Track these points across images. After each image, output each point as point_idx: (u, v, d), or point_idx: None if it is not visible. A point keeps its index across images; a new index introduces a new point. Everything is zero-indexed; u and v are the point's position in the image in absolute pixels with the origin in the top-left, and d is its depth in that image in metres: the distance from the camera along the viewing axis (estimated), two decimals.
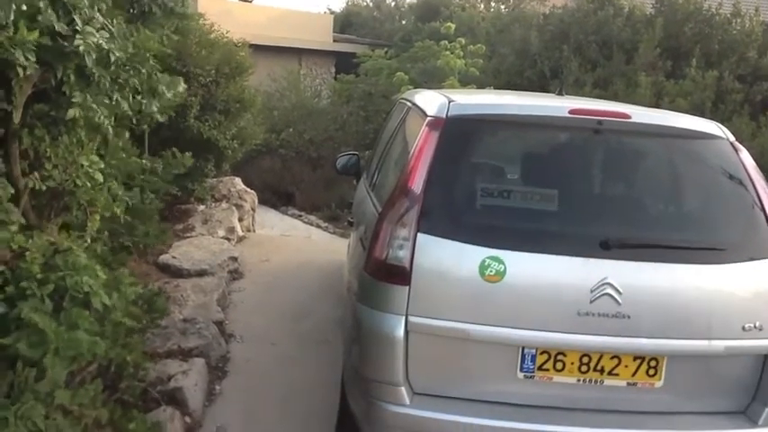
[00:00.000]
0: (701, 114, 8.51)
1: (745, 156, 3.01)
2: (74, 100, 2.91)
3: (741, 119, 9.45)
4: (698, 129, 3.08)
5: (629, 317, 2.69)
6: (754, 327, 2.76)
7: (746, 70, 10.52)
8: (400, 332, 2.71)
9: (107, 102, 3.08)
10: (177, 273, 5.62)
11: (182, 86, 3.71)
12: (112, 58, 2.88)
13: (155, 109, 3.48)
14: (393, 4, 24.98)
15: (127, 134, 3.76)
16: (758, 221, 2.86)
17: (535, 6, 17.08)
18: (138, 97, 3.32)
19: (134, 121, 3.81)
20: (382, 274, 2.78)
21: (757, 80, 10.32)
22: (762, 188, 2.92)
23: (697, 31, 11.24)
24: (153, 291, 3.89)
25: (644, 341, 2.72)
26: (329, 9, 26.61)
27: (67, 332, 2.61)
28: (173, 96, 3.58)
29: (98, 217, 3.20)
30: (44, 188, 2.97)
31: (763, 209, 2.87)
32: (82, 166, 3.05)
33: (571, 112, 2.95)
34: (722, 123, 3.26)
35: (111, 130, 3.18)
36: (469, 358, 2.78)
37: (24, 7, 2.54)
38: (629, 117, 2.97)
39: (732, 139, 3.06)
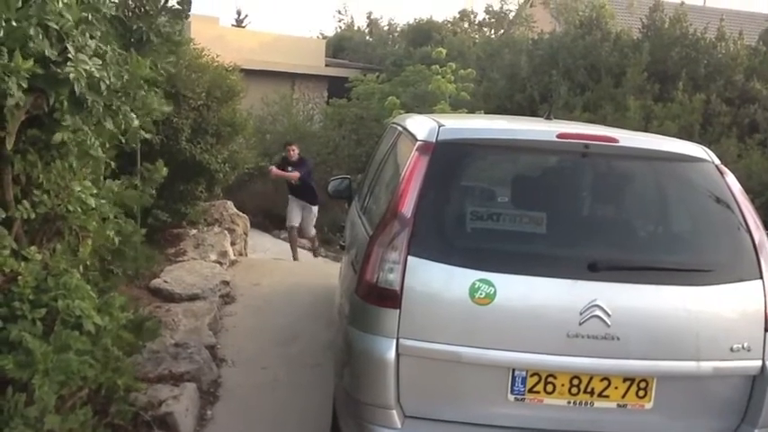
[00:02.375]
0: (690, 137, 8.63)
1: (731, 179, 3.05)
2: (64, 123, 2.93)
3: (729, 141, 9.58)
4: (683, 152, 3.12)
5: (618, 338, 2.71)
6: (743, 348, 2.79)
7: (734, 93, 10.68)
8: (391, 355, 2.72)
9: (98, 126, 3.11)
10: (169, 297, 5.61)
11: (166, 107, 3.75)
12: (103, 87, 2.90)
13: (136, 123, 3.51)
14: (386, 28, 25.23)
15: (114, 156, 3.76)
16: (744, 243, 2.89)
17: (524, 32, 17.25)
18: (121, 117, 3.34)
19: (122, 141, 3.83)
20: (373, 298, 2.79)
21: (744, 103, 10.47)
22: (747, 210, 2.95)
23: (683, 55, 11.42)
24: (144, 315, 3.88)
25: (633, 363, 2.74)
26: (322, 34, 26.85)
27: (57, 354, 2.61)
28: (160, 114, 3.62)
29: (90, 242, 3.21)
30: (33, 216, 2.97)
31: (748, 230, 2.91)
32: (74, 191, 3.06)
33: (559, 136, 2.99)
34: (710, 145, 3.32)
35: (101, 152, 3.20)
36: (460, 381, 2.78)
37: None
38: (615, 141, 3.02)
39: (717, 162, 3.11)
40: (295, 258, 9.61)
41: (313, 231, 9.83)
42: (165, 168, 4.80)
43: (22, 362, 2.52)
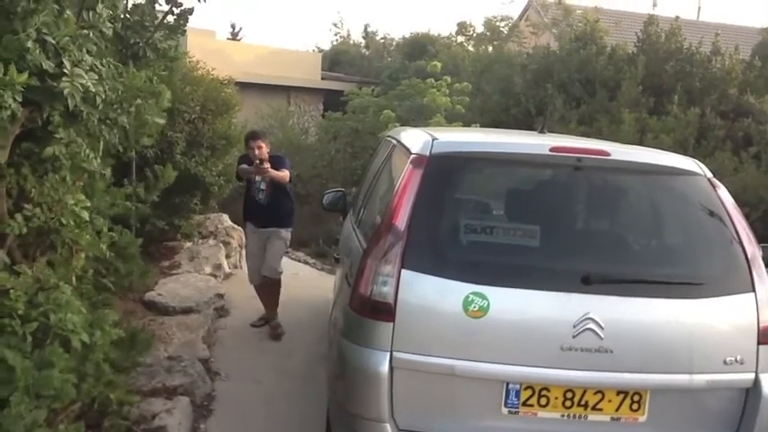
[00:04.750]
0: (685, 150, 8.67)
1: (723, 192, 3.07)
2: (57, 136, 2.93)
3: (723, 154, 9.60)
4: (676, 165, 3.14)
5: (611, 351, 2.71)
6: (735, 361, 2.79)
7: (728, 107, 10.72)
8: (385, 368, 2.72)
9: (93, 138, 3.11)
10: (163, 310, 5.59)
11: (161, 120, 3.76)
12: (98, 101, 2.91)
13: (145, 140, 3.53)
14: (382, 42, 25.34)
15: (109, 169, 3.77)
16: (736, 256, 2.91)
17: (516, 47, 17.36)
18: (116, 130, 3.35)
19: (120, 150, 3.83)
20: (367, 311, 2.80)
21: (739, 116, 10.52)
22: (739, 224, 2.97)
23: (678, 68, 11.49)
24: (137, 329, 3.87)
25: (627, 376, 2.74)
26: (317, 47, 26.93)
27: (40, 371, 2.59)
28: (156, 126, 3.64)
29: (83, 255, 3.20)
30: (25, 230, 2.97)
31: (741, 244, 2.92)
32: (68, 204, 3.06)
33: (552, 149, 3.01)
34: (705, 159, 3.34)
35: (96, 164, 3.21)
36: (454, 394, 2.78)
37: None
38: (608, 154, 3.03)
39: (710, 175, 3.12)
40: (271, 321, 5.83)
41: (279, 269, 5.73)
42: (174, 173, 4.82)
43: (2, 378, 2.49)
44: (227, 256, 7.77)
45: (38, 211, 2.97)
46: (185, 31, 3.85)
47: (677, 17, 12.94)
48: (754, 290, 2.85)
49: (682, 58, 11.67)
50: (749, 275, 2.86)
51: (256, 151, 5.46)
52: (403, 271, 2.75)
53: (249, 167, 5.50)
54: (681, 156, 3.33)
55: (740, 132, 10.31)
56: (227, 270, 7.50)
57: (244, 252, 6.83)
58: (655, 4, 13.92)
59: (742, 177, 8.92)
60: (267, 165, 5.32)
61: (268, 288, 5.79)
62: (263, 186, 5.65)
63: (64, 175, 3.08)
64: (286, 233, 5.76)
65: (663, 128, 10.22)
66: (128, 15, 3.69)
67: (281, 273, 5.79)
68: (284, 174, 5.48)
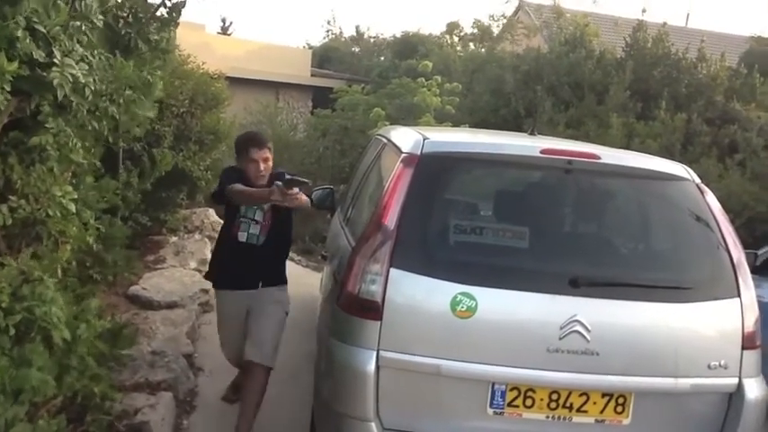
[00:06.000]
0: (671, 156, 8.72)
1: (711, 198, 3.09)
2: (47, 126, 2.91)
3: (709, 160, 9.67)
4: (665, 170, 3.16)
5: (597, 354, 2.72)
6: (720, 365, 2.81)
7: (714, 113, 10.80)
8: (371, 367, 2.71)
9: (81, 128, 3.09)
10: (147, 304, 5.55)
11: (151, 112, 3.75)
12: (88, 92, 2.89)
13: (136, 130, 3.50)
14: (372, 41, 25.31)
15: (99, 155, 3.75)
16: (722, 261, 2.93)
17: (508, 47, 17.40)
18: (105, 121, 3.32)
19: (110, 140, 3.81)
20: (354, 309, 2.79)
21: (725, 123, 10.60)
22: (726, 229, 2.99)
23: (665, 74, 11.56)
24: (121, 323, 3.84)
25: (612, 378, 2.75)
26: (308, 44, 26.85)
27: (17, 368, 2.56)
28: (145, 118, 3.62)
29: (69, 247, 3.17)
30: (11, 221, 2.93)
31: (727, 249, 2.95)
32: (54, 196, 3.03)
33: (542, 151, 3.02)
34: (691, 165, 3.35)
35: (81, 153, 3.18)
36: (440, 394, 2.78)
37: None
38: (598, 158, 3.04)
39: (698, 181, 3.15)
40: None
41: (274, 352, 3.76)
42: (171, 161, 4.76)
43: None
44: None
45: (23, 203, 2.94)
46: (178, 23, 3.82)
47: (665, 23, 13.04)
48: (739, 295, 2.87)
49: (669, 63, 11.76)
50: (735, 281, 2.88)
51: (262, 165, 3.64)
52: (391, 270, 2.75)
53: (258, 190, 3.57)
54: (670, 161, 3.35)
55: (726, 139, 10.39)
56: None
57: (216, 317, 4.10)
58: (644, 10, 13.99)
59: (727, 184, 8.98)
60: (295, 189, 3.35)
61: (251, 379, 3.65)
62: (259, 217, 3.69)
63: (51, 165, 3.05)
64: (284, 293, 3.88)
65: (650, 133, 10.28)
66: (120, 6, 3.66)
67: (275, 348, 3.73)
68: (296, 197, 3.42)
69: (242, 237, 3.72)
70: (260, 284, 3.78)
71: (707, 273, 2.98)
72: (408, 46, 21.04)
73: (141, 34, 3.66)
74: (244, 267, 3.75)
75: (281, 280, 3.90)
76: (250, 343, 3.70)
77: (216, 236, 5.02)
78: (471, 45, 21.47)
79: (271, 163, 3.75)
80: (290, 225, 3.89)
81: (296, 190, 3.35)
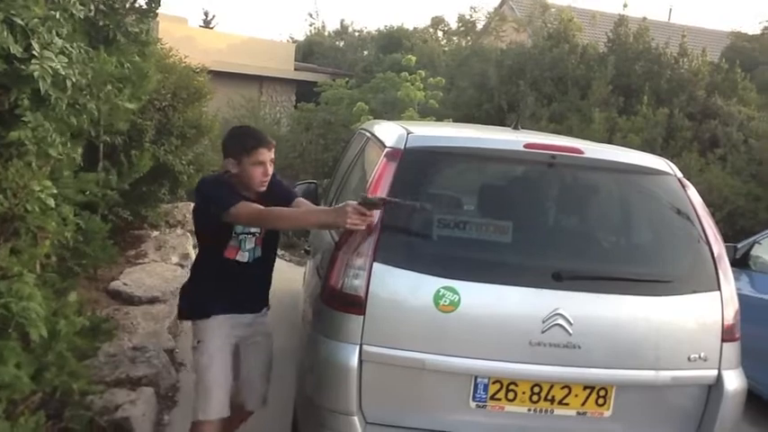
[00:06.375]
0: (653, 150, 8.78)
1: (693, 192, 3.11)
2: (25, 120, 2.86)
3: (690, 155, 9.77)
4: (647, 165, 3.17)
5: (579, 347, 2.73)
6: (699, 357, 2.84)
7: (695, 108, 10.91)
8: (354, 361, 2.70)
9: (60, 123, 3.05)
10: (128, 299, 5.51)
11: (131, 104, 3.70)
12: (68, 84, 2.85)
13: (131, 106, 3.46)
14: (357, 35, 25.25)
15: (80, 149, 3.69)
16: (703, 255, 2.95)
17: (492, 42, 17.44)
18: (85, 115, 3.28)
19: (92, 134, 3.76)
20: (337, 304, 2.78)
21: (706, 118, 10.71)
22: (707, 223, 3.01)
23: (647, 69, 11.64)
24: (101, 318, 3.80)
25: (594, 371, 2.77)
26: (291, 38, 26.77)
27: None
28: (126, 112, 3.58)
29: (48, 242, 3.13)
30: None
31: (708, 243, 2.97)
32: (33, 191, 2.99)
33: (526, 146, 3.02)
34: (672, 159, 3.37)
35: (61, 148, 3.14)
36: (423, 388, 2.78)
37: None
38: (581, 152, 3.05)
39: (680, 175, 3.16)
40: None
41: (269, 383, 3.31)
42: (150, 162, 4.70)
43: None
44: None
45: (1, 198, 2.89)
46: (156, 14, 3.78)
47: (644, 18, 13.14)
48: (719, 288, 2.89)
49: (650, 58, 11.84)
50: (715, 274, 2.91)
51: (270, 169, 3.03)
52: (374, 264, 2.74)
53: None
54: (652, 155, 3.37)
55: (707, 134, 10.50)
56: None
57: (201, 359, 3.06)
58: (625, 5, 14.06)
59: (708, 178, 9.08)
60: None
61: (239, 421, 3.30)
62: (253, 229, 3.04)
63: (30, 160, 3.00)
64: (265, 318, 3.30)
65: (632, 127, 10.37)
66: None
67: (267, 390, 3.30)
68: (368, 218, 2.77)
69: (243, 256, 3.03)
70: (264, 308, 3.24)
71: (688, 266, 3.01)
72: (393, 40, 21.04)
73: (120, 26, 3.61)
74: (245, 289, 3.09)
75: (267, 304, 3.30)
76: (249, 388, 3.18)
77: None
78: (455, 39, 21.48)
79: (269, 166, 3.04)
80: (278, 232, 3.31)
81: (376, 212, 2.72)
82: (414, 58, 14.17)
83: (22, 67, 2.73)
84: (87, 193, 3.77)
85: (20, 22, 2.71)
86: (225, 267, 3.03)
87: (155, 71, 5.83)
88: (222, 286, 3.04)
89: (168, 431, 3.83)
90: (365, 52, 22.65)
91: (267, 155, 2.98)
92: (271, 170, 3.02)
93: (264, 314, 3.26)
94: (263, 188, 3.02)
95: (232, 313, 3.07)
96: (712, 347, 2.86)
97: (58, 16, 2.92)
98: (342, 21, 26.70)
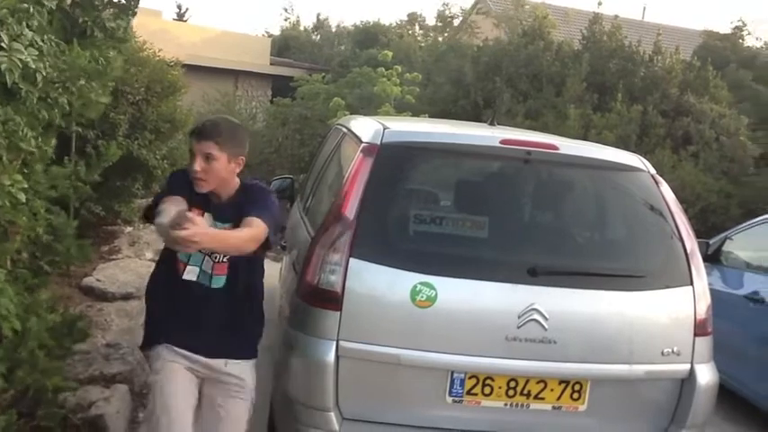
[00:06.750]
0: (627, 147, 8.88)
1: (665, 188, 3.15)
2: None
3: (663, 152, 9.90)
4: (621, 161, 3.21)
5: (555, 342, 2.76)
6: (672, 352, 2.88)
7: (669, 106, 11.05)
8: (331, 357, 2.70)
9: (31, 117, 2.99)
10: (101, 296, 5.43)
11: (104, 99, 3.65)
12: (39, 78, 2.79)
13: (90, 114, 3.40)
14: (334, 29, 25.16)
15: (53, 141, 3.62)
16: (676, 251, 2.99)
17: (468, 39, 17.48)
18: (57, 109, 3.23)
19: (62, 126, 3.70)
20: (314, 299, 2.77)
21: (679, 115, 10.85)
22: (680, 219, 3.05)
23: (621, 67, 11.76)
24: (74, 315, 3.75)
25: (569, 365, 2.79)
26: (267, 32, 26.57)
27: None
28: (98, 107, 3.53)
29: (19, 238, 3.08)
30: None
31: (680, 239, 3.01)
32: (4, 185, 2.93)
33: (502, 142, 3.03)
34: (646, 155, 3.41)
35: (33, 142, 3.09)
36: (400, 383, 2.79)
37: None
38: (556, 148, 3.07)
39: (653, 171, 3.20)
40: None
41: None
42: (119, 151, 4.62)
43: None
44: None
45: None
46: (136, 12, 3.72)
47: (616, 16, 13.29)
48: (692, 283, 2.93)
49: (623, 56, 11.96)
50: (688, 269, 2.95)
51: (196, 164, 2.48)
52: (351, 260, 2.74)
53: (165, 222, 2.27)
54: (626, 152, 3.41)
55: (680, 131, 10.65)
56: None
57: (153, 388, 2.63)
58: (600, 3, 14.20)
59: (680, 175, 9.22)
60: (197, 222, 2.18)
61: None
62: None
63: (0, 154, 2.95)
64: (250, 373, 2.71)
65: (606, 124, 10.47)
66: None
67: None
68: (251, 233, 2.41)
69: (190, 274, 2.56)
70: (226, 359, 2.62)
71: (661, 261, 3.05)
72: (369, 35, 20.99)
73: (97, 21, 3.55)
74: (195, 321, 2.58)
75: (248, 350, 2.71)
76: None
77: None
78: (432, 35, 21.50)
79: (221, 164, 2.49)
80: (261, 270, 2.76)
81: (203, 222, 2.23)
82: (390, 54, 14.14)
83: None
84: (55, 187, 3.71)
85: None
86: (172, 286, 2.58)
87: (119, 59, 5.77)
88: (168, 309, 2.60)
89: (143, 428, 3.78)
90: (342, 47, 22.58)
91: (197, 146, 2.48)
92: (202, 167, 2.46)
93: (231, 367, 2.61)
94: (199, 188, 2.50)
95: (179, 348, 2.56)
96: (685, 342, 2.90)
97: (28, 7, 2.87)
98: (318, 15, 26.60)
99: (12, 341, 2.72)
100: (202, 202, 2.55)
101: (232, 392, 2.64)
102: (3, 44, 2.69)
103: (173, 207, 2.38)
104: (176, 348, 2.57)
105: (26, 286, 3.18)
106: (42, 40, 2.96)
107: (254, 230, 2.39)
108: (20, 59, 2.71)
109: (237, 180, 2.62)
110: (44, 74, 2.90)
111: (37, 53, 2.85)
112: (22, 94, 2.86)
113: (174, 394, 2.52)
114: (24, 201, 3.05)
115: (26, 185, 3.06)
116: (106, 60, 3.58)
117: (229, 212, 2.54)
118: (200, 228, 2.17)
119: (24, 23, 2.84)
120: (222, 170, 2.50)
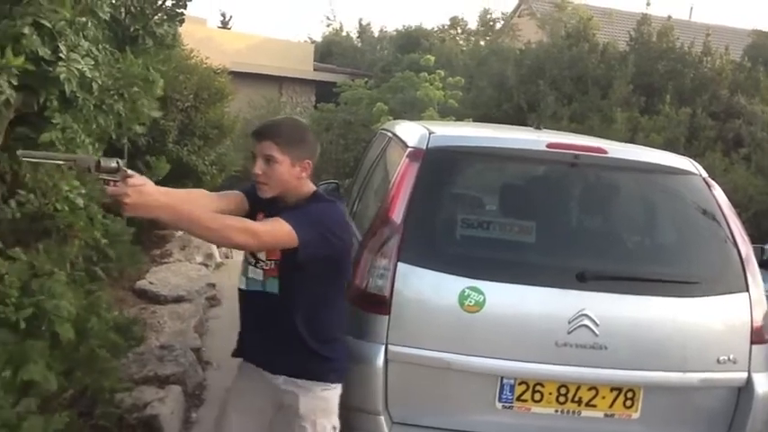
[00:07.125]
0: (675, 150, 8.69)
1: (718, 192, 3.08)
2: (53, 122, 2.91)
3: (714, 155, 9.67)
4: (672, 165, 3.15)
5: (605, 348, 2.72)
6: (728, 360, 2.81)
7: (719, 108, 10.80)
8: (380, 361, 2.71)
9: (87, 124, 3.10)
10: (154, 299, 5.56)
11: (157, 112, 3.74)
12: (95, 86, 2.89)
13: (137, 128, 3.50)
14: (376, 34, 25.27)
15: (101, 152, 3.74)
16: (730, 256, 2.92)
17: (510, 42, 17.37)
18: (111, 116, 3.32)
19: (113, 136, 3.81)
20: (362, 303, 2.79)
21: (729, 117, 10.59)
22: (734, 224, 2.98)
23: (670, 68, 11.54)
24: (129, 318, 3.85)
25: (621, 372, 2.75)
26: (310, 38, 26.76)
27: (20, 365, 2.56)
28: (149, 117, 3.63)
29: (77, 242, 3.19)
30: (19, 215, 2.94)
31: (735, 244, 2.94)
32: (62, 190, 3.04)
33: (549, 146, 3.01)
34: (695, 159, 3.34)
35: (91, 150, 3.19)
36: (448, 388, 2.78)
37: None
38: (605, 152, 3.04)
39: (705, 175, 3.13)
40: None
41: None
42: (167, 166, 4.73)
43: None
44: (219, 246, 7.74)
45: (32, 197, 2.95)
46: (183, 19, 3.82)
47: (669, 17, 13.01)
48: (747, 290, 2.86)
49: (673, 57, 11.74)
50: (743, 275, 2.88)
51: (257, 167, 2.30)
52: (399, 264, 2.75)
53: None
54: (676, 155, 3.35)
55: (730, 133, 10.39)
56: (219, 259, 7.47)
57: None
58: (648, 3, 13.96)
59: (732, 178, 8.98)
60: (133, 182, 2.02)
61: None
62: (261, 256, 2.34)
63: None
64: (322, 405, 2.38)
65: (654, 127, 10.27)
66: (130, 1, 3.66)
67: None
68: (247, 225, 2.19)
69: (242, 282, 2.40)
70: (283, 375, 2.35)
71: (715, 267, 2.98)
72: (411, 40, 21.01)
73: (147, 29, 3.66)
74: (255, 331, 2.41)
75: (317, 373, 2.35)
76: None
77: None
78: (473, 39, 21.43)
79: (284, 168, 2.28)
80: (332, 287, 2.39)
81: (142, 183, 2.03)
82: (432, 58, 14.16)
83: (50, 69, 2.77)
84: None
85: (48, 24, 2.75)
86: (240, 294, 2.44)
87: (171, 72, 5.86)
88: (242, 321, 2.48)
89: (196, 428, 3.86)
90: (384, 52, 22.65)
91: (257, 147, 2.29)
92: (263, 169, 2.27)
93: (289, 385, 2.32)
94: (261, 192, 2.31)
95: (250, 362, 2.43)
96: (741, 350, 2.83)
97: (85, 20, 2.97)
98: (360, 20, 26.69)
99: (71, 342, 2.81)
100: (268, 207, 2.33)
101: (293, 418, 2.32)
102: (61, 55, 2.79)
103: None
104: (250, 364, 2.44)
105: (84, 290, 3.28)
106: (98, 50, 3.07)
107: (254, 224, 2.18)
108: (77, 69, 2.81)
109: (311, 186, 2.40)
110: (99, 82, 3.00)
111: (93, 62, 2.95)
112: (79, 102, 2.96)
113: (228, 426, 2.44)
114: (82, 206, 3.15)
115: (83, 191, 3.17)
116: (156, 71, 3.68)
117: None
118: (133, 188, 1.93)
119: (81, 34, 2.94)
120: (285, 173, 2.27)
